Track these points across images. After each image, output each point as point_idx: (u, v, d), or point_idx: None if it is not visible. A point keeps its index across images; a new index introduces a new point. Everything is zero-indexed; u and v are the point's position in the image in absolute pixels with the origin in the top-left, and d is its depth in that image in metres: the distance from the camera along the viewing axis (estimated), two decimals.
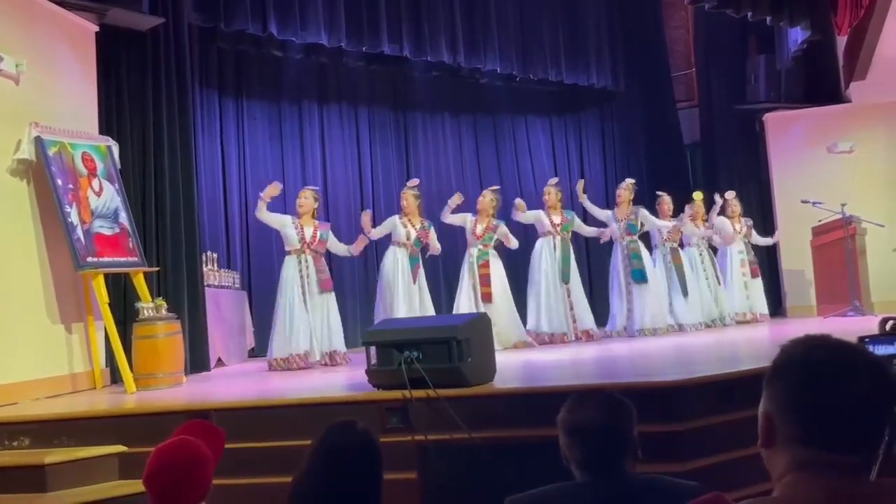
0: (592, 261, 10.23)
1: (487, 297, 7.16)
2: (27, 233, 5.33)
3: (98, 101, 6.16)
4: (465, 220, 7.45)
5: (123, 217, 5.87)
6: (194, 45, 7.45)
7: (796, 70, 9.95)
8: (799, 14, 8.69)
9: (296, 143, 9.14)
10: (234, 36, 8.14)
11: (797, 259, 9.56)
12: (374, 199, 9.57)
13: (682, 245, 8.77)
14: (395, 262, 7.00)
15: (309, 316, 6.51)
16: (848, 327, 6.39)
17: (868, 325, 5.51)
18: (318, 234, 6.72)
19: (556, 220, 7.77)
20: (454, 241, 8.27)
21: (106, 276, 5.61)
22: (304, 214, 6.73)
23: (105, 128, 6.18)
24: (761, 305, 9.10)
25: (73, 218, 5.43)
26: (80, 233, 5.45)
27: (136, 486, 3.40)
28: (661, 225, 8.41)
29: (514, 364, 5.56)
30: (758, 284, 9.14)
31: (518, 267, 8.25)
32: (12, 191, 5.27)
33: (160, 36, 6.50)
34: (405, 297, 6.91)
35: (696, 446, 3.61)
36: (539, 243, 7.79)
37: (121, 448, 4.05)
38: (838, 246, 8.48)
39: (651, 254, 8.55)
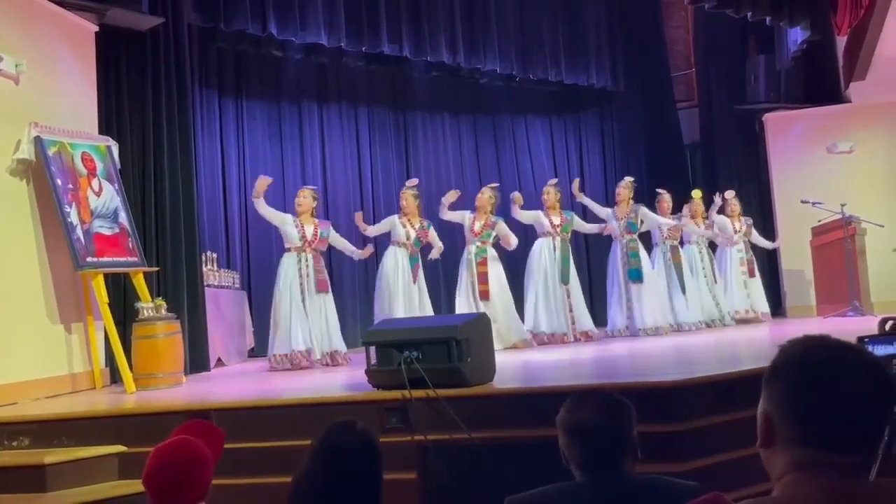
0: (592, 261, 10.23)
1: (485, 295, 7.16)
2: (27, 233, 5.33)
3: (98, 101, 6.16)
4: (463, 217, 7.46)
5: (123, 217, 5.87)
6: (194, 45, 7.46)
7: (796, 70, 9.96)
8: (799, 14, 8.69)
9: (295, 143, 9.15)
10: (234, 36, 8.14)
11: (797, 259, 9.56)
12: (374, 199, 9.58)
13: (681, 243, 8.77)
14: (395, 262, 7.01)
15: (308, 315, 6.51)
16: (847, 327, 6.40)
17: (868, 325, 5.52)
18: (319, 231, 6.73)
19: (556, 220, 7.78)
20: (454, 241, 8.27)
21: (105, 276, 5.61)
22: (304, 213, 6.73)
23: (105, 128, 6.18)
24: (762, 304, 9.10)
25: (73, 218, 5.43)
26: (79, 233, 5.45)
27: (135, 486, 3.40)
28: (661, 222, 8.41)
29: (513, 364, 5.56)
30: (757, 283, 9.15)
31: (518, 267, 8.25)
32: (12, 191, 5.27)
33: (160, 36, 6.50)
34: (405, 297, 6.91)
35: (696, 446, 3.61)
36: (538, 243, 7.79)
37: (120, 448, 4.05)
38: (838, 246, 8.48)
39: (651, 251, 8.56)
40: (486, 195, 7.52)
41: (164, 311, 5.59)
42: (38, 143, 5.36)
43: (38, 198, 5.42)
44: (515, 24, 9.97)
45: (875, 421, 1.19)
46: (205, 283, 6.82)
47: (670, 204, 8.74)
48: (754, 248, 9.32)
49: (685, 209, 8.75)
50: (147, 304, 5.58)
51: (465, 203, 7.60)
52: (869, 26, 7.80)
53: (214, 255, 7.51)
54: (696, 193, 9.06)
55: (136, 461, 3.44)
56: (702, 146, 11.26)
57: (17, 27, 5.43)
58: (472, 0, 9.55)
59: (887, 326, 2.62)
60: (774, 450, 1.22)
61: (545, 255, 7.67)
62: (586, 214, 8.71)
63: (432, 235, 7.25)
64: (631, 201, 8.24)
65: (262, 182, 6.61)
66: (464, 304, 7.19)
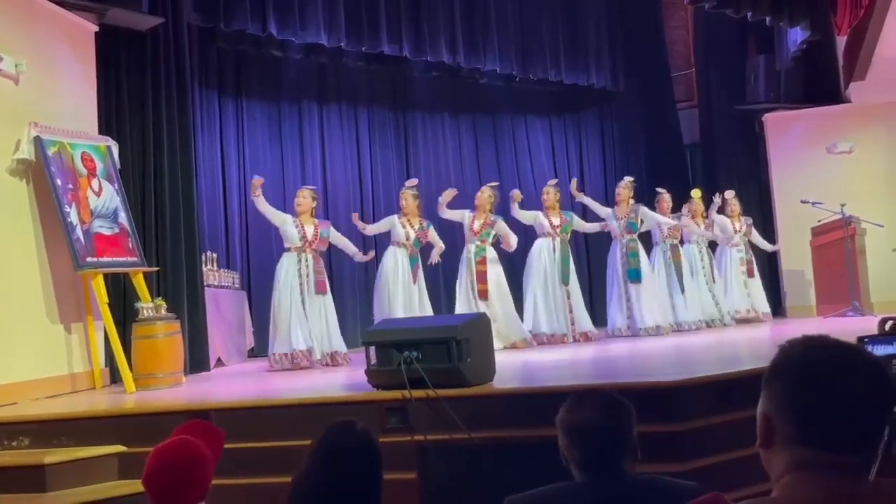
0: (592, 261, 10.23)
1: (483, 294, 7.16)
2: (27, 233, 5.33)
3: (98, 101, 6.16)
4: (463, 216, 7.46)
5: (123, 217, 5.87)
6: (194, 45, 7.46)
7: (796, 70, 9.96)
8: (799, 14, 8.69)
9: (295, 144, 9.14)
10: (234, 36, 8.14)
11: (797, 259, 9.56)
12: (374, 199, 9.57)
13: (681, 242, 8.77)
14: (395, 263, 7.01)
15: (307, 316, 6.51)
16: (847, 327, 6.40)
17: (867, 325, 5.52)
18: (319, 231, 6.73)
19: (556, 221, 7.77)
20: (454, 240, 8.27)
21: (105, 276, 5.61)
22: (303, 214, 6.73)
23: (105, 128, 6.18)
24: (763, 304, 9.10)
25: (73, 218, 5.43)
26: (79, 233, 5.45)
27: (135, 486, 3.40)
28: (661, 221, 8.40)
29: (513, 364, 5.56)
30: (757, 283, 9.15)
31: (517, 267, 8.25)
32: (12, 191, 5.27)
33: (160, 36, 6.50)
34: (405, 297, 6.92)
35: (696, 446, 3.61)
36: (538, 244, 7.78)
37: (120, 448, 4.05)
38: (838, 246, 8.48)
39: (651, 251, 8.56)
40: (485, 194, 7.53)
41: (163, 311, 5.59)
42: (38, 143, 5.36)
43: (38, 198, 5.42)
44: (515, 24, 9.96)
45: (875, 421, 1.19)
46: (205, 283, 6.82)
47: (670, 204, 8.73)
48: (754, 248, 9.33)
49: (685, 209, 8.75)
50: (147, 304, 5.58)
51: (465, 202, 7.59)
52: (869, 26, 7.80)
53: (214, 255, 7.51)
54: (696, 193, 9.05)
55: (136, 461, 3.44)
56: (702, 146, 11.26)
57: (17, 27, 5.43)
58: (471, 0, 9.56)
59: (887, 326, 2.62)
60: (774, 450, 1.22)
61: (545, 256, 7.67)
62: (586, 214, 8.69)
63: (432, 235, 7.26)
64: (631, 201, 8.23)
65: (255, 183, 6.63)
66: (463, 303, 7.20)
